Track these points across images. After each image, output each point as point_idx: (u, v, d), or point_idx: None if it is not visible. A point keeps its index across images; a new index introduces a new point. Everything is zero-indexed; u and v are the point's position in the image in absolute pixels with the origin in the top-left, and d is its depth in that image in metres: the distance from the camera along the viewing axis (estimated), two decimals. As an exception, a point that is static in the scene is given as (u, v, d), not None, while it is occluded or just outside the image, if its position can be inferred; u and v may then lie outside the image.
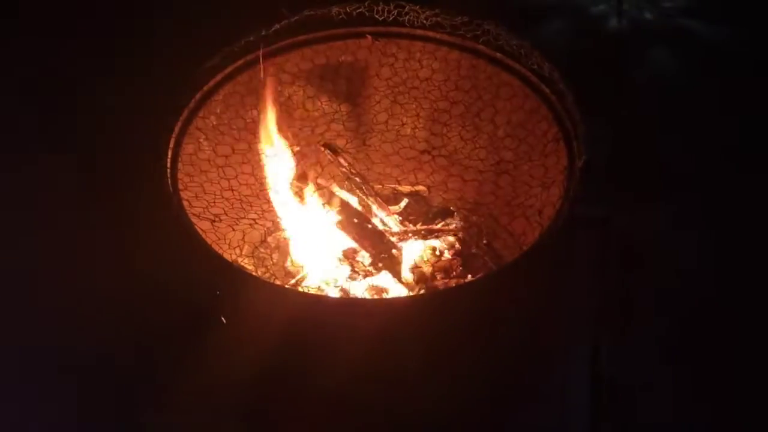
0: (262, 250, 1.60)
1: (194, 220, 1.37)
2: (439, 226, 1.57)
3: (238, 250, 1.55)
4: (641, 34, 2.19)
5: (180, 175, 1.40)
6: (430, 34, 1.58)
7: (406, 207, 1.65)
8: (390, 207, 1.59)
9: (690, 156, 1.83)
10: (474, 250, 1.56)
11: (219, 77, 1.51)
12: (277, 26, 1.54)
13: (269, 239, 1.62)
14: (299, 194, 1.49)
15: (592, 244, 1.62)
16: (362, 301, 1.38)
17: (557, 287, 1.53)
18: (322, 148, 1.55)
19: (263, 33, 1.53)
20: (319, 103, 1.65)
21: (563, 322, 1.53)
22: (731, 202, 1.74)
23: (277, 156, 1.48)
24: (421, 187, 1.70)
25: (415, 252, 1.50)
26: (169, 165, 1.37)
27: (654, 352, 1.51)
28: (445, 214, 1.60)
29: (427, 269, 1.47)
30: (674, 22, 2.21)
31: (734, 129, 1.89)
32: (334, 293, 1.43)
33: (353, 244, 1.47)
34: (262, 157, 1.50)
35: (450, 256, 1.53)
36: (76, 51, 2.03)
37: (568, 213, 1.26)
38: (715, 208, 1.73)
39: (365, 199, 1.53)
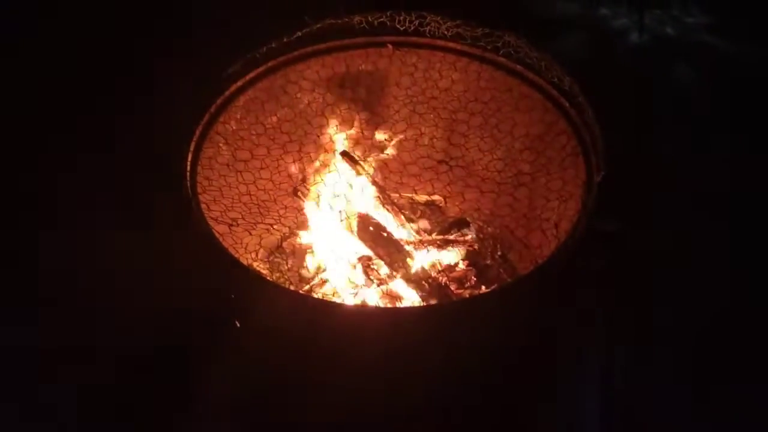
0: (277, 255, 1.61)
1: (212, 223, 1.38)
2: (454, 236, 1.57)
3: (254, 255, 1.56)
4: (662, 49, 2.19)
5: (199, 179, 1.42)
6: (451, 44, 1.59)
7: (422, 217, 1.65)
8: (406, 216, 1.59)
9: (708, 172, 1.82)
10: (489, 262, 1.56)
11: (240, 83, 1.53)
12: (299, 34, 1.56)
13: (284, 245, 1.62)
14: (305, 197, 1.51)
15: (607, 258, 1.61)
16: (376, 309, 1.38)
17: (571, 300, 1.53)
18: (340, 156, 1.55)
19: (285, 40, 1.55)
20: (339, 111, 1.65)
21: (576, 335, 1.53)
22: (747, 218, 1.73)
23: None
24: (437, 197, 1.70)
25: (429, 262, 1.50)
26: (189, 168, 1.39)
27: (667, 367, 1.50)
28: (460, 224, 1.60)
29: (441, 279, 1.47)
30: (696, 38, 2.21)
31: (754, 145, 1.88)
32: (348, 300, 1.43)
33: (368, 252, 1.48)
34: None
35: (464, 267, 1.53)
36: (102, 58, 2.06)
37: (585, 228, 1.26)
38: (730, 223, 1.72)
39: (382, 208, 1.53)
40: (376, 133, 1.67)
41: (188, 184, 1.36)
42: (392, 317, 1.28)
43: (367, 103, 1.66)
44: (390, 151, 1.69)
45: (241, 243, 1.52)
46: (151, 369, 1.47)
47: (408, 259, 1.46)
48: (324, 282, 1.49)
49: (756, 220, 1.72)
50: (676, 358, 1.51)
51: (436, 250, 1.52)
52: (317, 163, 1.62)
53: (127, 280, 1.59)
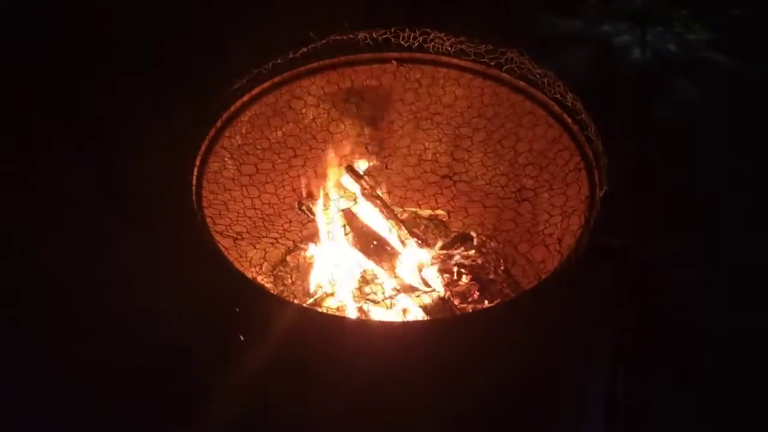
0: (281, 269, 1.61)
1: (217, 237, 1.39)
2: (457, 251, 1.57)
3: (258, 268, 1.56)
4: (665, 65, 2.20)
5: (204, 193, 1.43)
6: (454, 60, 1.60)
7: (425, 231, 1.66)
8: (410, 231, 1.59)
9: (710, 189, 1.83)
10: (492, 277, 1.56)
11: (246, 98, 1.54)
12: (305, 49, 1.57)
13: (288, 258, 1.63)
14: (309, 212, 1.52)
15: (609, 274, 1.62)
16: (379, 323, 1.38)
17: (574, 316, 1.53)
18: (345, 171, 1.56)
19: (291, 56, 1.57)
20: (343, 126, 1.67)
21: (579, 351, 1.53)
22: (750, 235, 1.73)
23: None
24: (441, 212, 1.71)
25: (433, 276, 1.50)
26: (194, 182, 1.40)
27: (670, 383, 1.50)
28: (464, 239, 1.61)
29: (444, 294, 1.47)
30: (698, 55, 2.22)
31: (756, 162, 1.88)
32: (352, 314, 1.44)
33: (372, 266, 1.48)
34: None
35: (467, 282, 1.53)
36: (107, 66, 2.08)
37: (588, 243, 1.26)
38: (733, 240, 1.72)
39: (386, 223, 1.54)
40: (380, 148, 1.69)
41: (194, 198, 1.38)
42: (396, 331, 1.28)
43: (371, 118, 1.67)
44: (394, 165, 1.70)
45: (246, 256, 1.53)
46: (153, 381, 1.47)
47: (411, 273, 1.46)
48: (328, 296, 1.50)
49: (761, 238, 1.72)
50: (678, 372, 1.51)
51: (439, 264, 1.52)
52: (321, 178, 1.63)
53: (130, 293, 1.60)
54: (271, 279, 1.59)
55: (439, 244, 1.60)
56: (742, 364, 1.51)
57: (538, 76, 1.52)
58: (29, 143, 1.94)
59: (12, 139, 1.94)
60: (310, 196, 1.59)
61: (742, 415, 1.44)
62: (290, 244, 1.63)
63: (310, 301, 1.51)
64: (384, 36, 1.59)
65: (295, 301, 1.53)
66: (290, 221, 1.63)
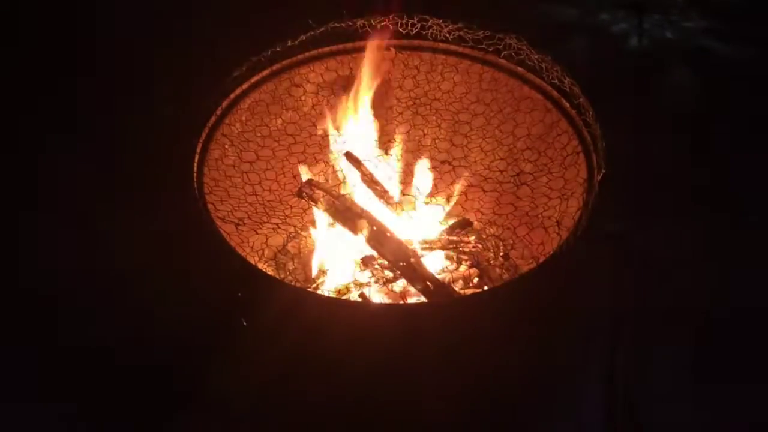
0: (282, 255, 1.62)
1: (219, 223, 1.40)
2: (457, 236, 1.58)
3: (260, 254, 1.57)
4: (662, 52, 2.21)
5: (206, 180, 1.44)
6: (453, 47, 1.61)
7: (424, 217, 1.66)
8: (409, 216, 1.60)
9: (709, 173, 1.84)
10: (492, 261, 1.57)
11: (245, 86, 1.55)
12: (303, 37, 1.58)
13: (290, 245, 1.64)
14: (308, 199, 1.53)
15: (609, 258, 1.63)
16: (380, 306, 1.39)
17: (573, 299, 1.54)
18: (344, 158, 1.57)
19: (290, 44, 1.57)
20: (342, 113, 1.67)
21: (578, 335, 1.54)
22: (749, 219, 1.74)
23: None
24: (440, 198, 1.71)
25: (433, 261, 1.51)
26: (195, 169, 1.41)
27: (670, 367, 1.51)
28: (463, 224, 1.62)
29: (444, 278, 1.48)
30: (694, 42, 2.23)
31: (754, 148, 1.90)
32: (353, 298, 1.45)
33: (372, 252, 1.49)
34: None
35: (467, 266, 1.54)
36: (107, 58, 2.08)
37: (587, 225, 1.27)
38: (734, 225, 1.73)
39: (385, 208, 1.55)
40: (380, 134, 1.69)
41: (195, 185, 1.39)
42: (396, 315, 1.30)
43: (370, 105, 1.68)
44: (393, 152, 1.71)
45: (248, 242, 1.54)
46: (157, 368, 1.48)
47: (411, 258, 1.47)
48: (329, 280, 1.51)
49: (756, 220, 1.73)
50: (677, 357, 1.52)
51: (439, 249, 1.53)
52: (321, 165, 1.64)
53: (132, 280, 1.61)
54: (273, 265, 1.60)
55: (439, 229, 1.62)
56: (742, 348, 1.52)
57: (536, 61, 1.53)
58: (29, 133, 1.94)
59: (12, 130, 1.95)
60: (311, 182, 1.60)
61: (742, 399, 1.45)
62: (291, 230, 1.64)
63: (312, 286, 1.52)
64: (382, 23, 1.60)
65: (297, 286, 1.54)
66: (291, 207, 1.64)
